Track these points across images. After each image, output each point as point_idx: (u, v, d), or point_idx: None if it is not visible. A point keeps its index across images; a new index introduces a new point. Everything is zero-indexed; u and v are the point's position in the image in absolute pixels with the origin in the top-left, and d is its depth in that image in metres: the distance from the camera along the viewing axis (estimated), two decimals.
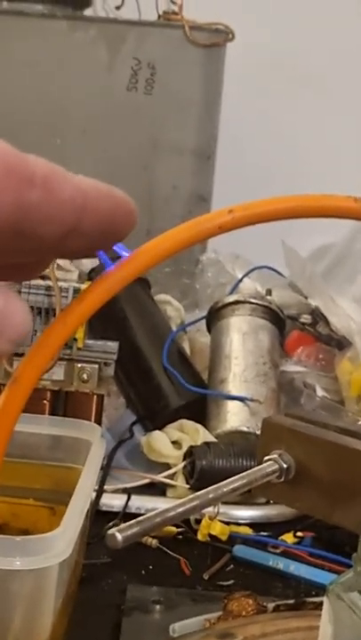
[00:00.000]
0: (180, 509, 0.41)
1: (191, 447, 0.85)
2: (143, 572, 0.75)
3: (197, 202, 1.22)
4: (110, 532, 0.38)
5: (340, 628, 0.47)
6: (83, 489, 0.59)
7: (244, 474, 0.47)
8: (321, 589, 0.73)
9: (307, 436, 0.48)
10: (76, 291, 0.89)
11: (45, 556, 0.49)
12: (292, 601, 0.67)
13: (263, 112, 1.38)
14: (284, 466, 0.48)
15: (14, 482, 0.76)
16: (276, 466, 0.47)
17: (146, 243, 0.44)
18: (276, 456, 0.48)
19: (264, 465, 0.48)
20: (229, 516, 0.83)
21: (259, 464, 0.49)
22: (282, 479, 0.48)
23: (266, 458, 0.48)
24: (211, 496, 0.43)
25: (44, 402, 0.91)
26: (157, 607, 0.68)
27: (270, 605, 0.66)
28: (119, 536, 0.38)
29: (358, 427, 0.51)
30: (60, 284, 0.88)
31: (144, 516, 0.39)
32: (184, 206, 1.22)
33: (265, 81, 1.37)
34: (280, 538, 0.82)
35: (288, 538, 0.82)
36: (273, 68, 1.38)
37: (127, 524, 0.39)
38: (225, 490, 0.44)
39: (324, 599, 0.47)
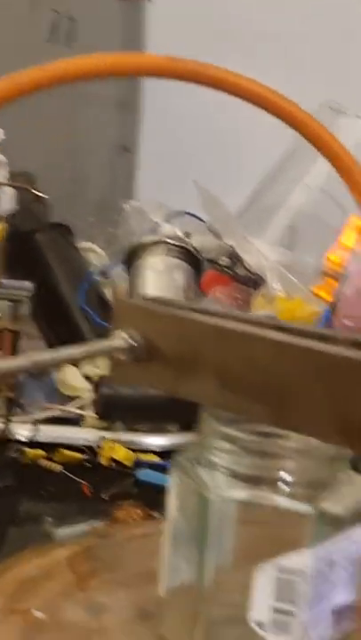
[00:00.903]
0: (6, 365, 0.41)
1: (99, 377, 0.86)
2: (44, 493, 0.76)
3: (121, 152, 1.23)
4: None
5: (184, 501, 0.48)
6: None
7: (87, 344, 0.47)
8: None
9: (155, 313, 0.49)
10: None
11: None
12: None
13: None
14: (133, 342, 0.48)
15: None
16: (123, 341, 0.48)
17: None
18: (124, 333, 0.49)
19: (111, 339, 0.48)
20: (137, 444, 0.83)
21: None
22: (131, 356, 0.49)
23: (114, 333, 0.49)
24: (45, 357, 0.44)
25: None
26: (49, 519, 0.68)
27: (158, 514, 0.67)
28: None
29: (208, 305, 0.52)
30: None
31: None
32: (107, 156, 1.23)
33: (188, 33, 1.37)
34: None
35: None
36: (196, 20, 1.38)
37: None
38: (62, 355, 0.45)
39: (171, 473, 0.48)
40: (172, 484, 0.48)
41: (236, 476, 0.45)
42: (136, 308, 0.50)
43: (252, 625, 0.44)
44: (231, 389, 0.45)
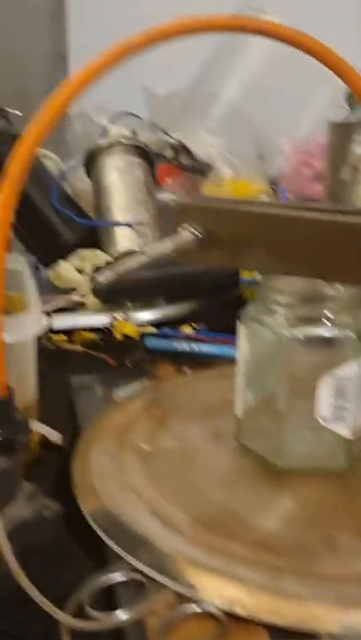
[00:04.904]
0: (139, 259, 0.56)
1: (96, 268, 1.00)
2: (78, 370, 0.91)
3: (58, 60, 1.32)
4: (96, 275, 0.52)
5: (253, 342, 0.64)
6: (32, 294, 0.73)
7: (166, 239, 0.62)
8: (223, 359, 0.91)
9: (210, 209, 0.64)
10: None
11: (24, 331, 0.64)
12: (202, 364, 0.85)
13: None
14: (197, 232, 0.63)
15: None
16: (190, 233, 0.63)
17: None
18: (188, 226, 0.63)
19: (180, 233, 0.63)
20: (137, 320, 0.99)
21: None
22: (197, 245, 0.63)
23: (181, 227, 0.63)
24: (151, 252, 0.58)
25: None
26: (98, 386, 0.84)
27: (187, 368, 0.84)
28: (101, 278, 0.53)
29: (252, 200, 0.67)
30: None
31: (116, 263, 0.54)
32: (47, 66, 1.32)
33: None
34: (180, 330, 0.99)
35: (186, 329, 0.99)
36: None
37: (105, 271, 0.54)
38: (158, 249, 0.60)
39: (238, 325, 0.64)
40: (242, 331, 0.64)
41: (293, 318, 0.62)
42: (195, 207, 0.64)
43: (319, 419, 0.61)
44: (280, 258, 0.61)
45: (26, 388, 0.65)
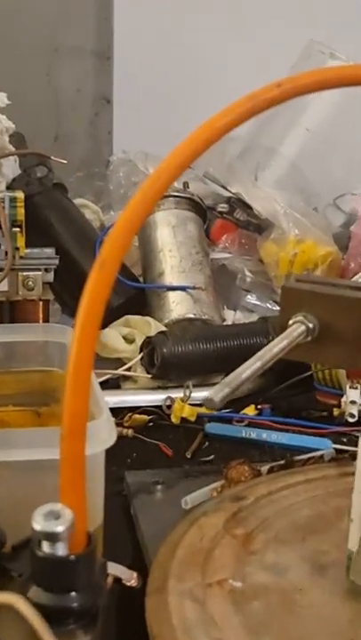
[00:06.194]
0: (254, 366, 0.44)
1: (148, 338, 0.88)
2: (129, 460, 0.78)
3: (102, 104, 1.21)
4: (208, 396, 0.41)
5: None
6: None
7: (279, 337, 0.50)
8: (295, 450, 0.79)
9: (326, 296, 0.52)
10: (12, 199, 0.88)
11: (93, 442, 0.51)
12: (282, 462, 0.72)
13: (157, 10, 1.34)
14: (311, 325, 0.51)
15: None
16: (304, 327, 0.51)
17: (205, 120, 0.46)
18: (301, 317, 0.52)
19: (292, 327, 0.51)
20: (193, 399, 0.86)
21: (282, 329, 0.53)
22: (308, 338, 0.52)
23: (291, 321, 0.52)
24: (267, 356, 0.46)
25: None
26: (158, 487, 0.71)
27: (264, 469, 0.71)
28: (216, 398, 0.41)
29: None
30: None
31: (227, 379, 0.42)
32: (90, 109, 1.21)
33: None
34: (242, 412, 0.87)
35: (249, 411, 0.87)
36: None
37: (217, 387, 0.42)
38: (273, 352, 0.48)
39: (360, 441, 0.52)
40: None
41: None
42: (305, 292, 0.52)
43: None
44: None
45: (92, 513, 0.52)
